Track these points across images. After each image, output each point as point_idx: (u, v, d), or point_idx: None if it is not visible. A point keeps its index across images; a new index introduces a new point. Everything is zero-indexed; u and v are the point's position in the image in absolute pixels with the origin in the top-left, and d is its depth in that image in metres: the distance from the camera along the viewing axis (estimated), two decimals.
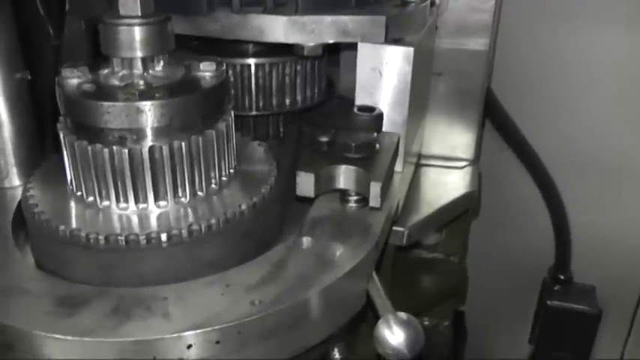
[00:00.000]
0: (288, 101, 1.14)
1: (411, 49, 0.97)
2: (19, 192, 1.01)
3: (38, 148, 1.06)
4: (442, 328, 1.48)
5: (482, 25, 1.30)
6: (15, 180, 1.04)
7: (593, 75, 1.74)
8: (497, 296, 2.05)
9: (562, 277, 1.91)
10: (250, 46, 1.11)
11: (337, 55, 1.25)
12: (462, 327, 1.73)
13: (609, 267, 1.91)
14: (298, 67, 1.12)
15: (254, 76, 1.10)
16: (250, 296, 0.76)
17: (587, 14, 1.66)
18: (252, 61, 1.09)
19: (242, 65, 1.09)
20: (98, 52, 0.90)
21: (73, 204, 0.87)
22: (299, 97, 1.15)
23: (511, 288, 2.05)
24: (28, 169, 1.03)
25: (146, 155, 0.81)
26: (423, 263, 1.40)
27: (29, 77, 1.02)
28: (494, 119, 1.67)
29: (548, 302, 1.89)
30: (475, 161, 1.39)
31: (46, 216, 0.83)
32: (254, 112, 1.12)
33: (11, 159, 1.03)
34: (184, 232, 0.80)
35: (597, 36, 1.67)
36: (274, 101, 1.13)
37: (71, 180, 0.88)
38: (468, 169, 1.36)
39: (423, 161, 1.36)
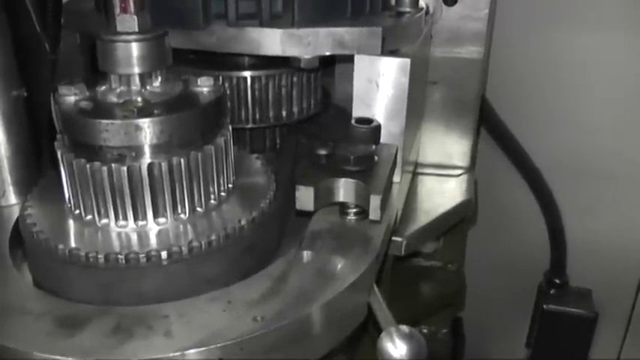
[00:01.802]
0: (284, 113, 1.14)
1: (407, 61, 0.97)
2: (15, 210, 1.01)
3: (35, 165, 1.05)
4: (441, 336, 1.48)
5: (476, 34, 1.30)
6: (12, 198, 1.03)
7: (586, 80, 1.74)
8: (494, 301, 2.05)
9: (558, 281, 1.91)
10: (246, 59, 1.11)
11: (332, 66, 1.25)
12: (459, 333, 1.73)
13: (605, 270, 1.91)
14: (294, 79, 1.12)
15: (250, 88, 1.10)
16: (252, 312, 0.76)
17: (580, 21, 1.66)
18: (248, 73, 1.09)
19: (238, 78, 1.09)
20: (94, 67, 0.90)
21: (71, 222, 0.86)
22: (295, 109, 1.15)
23: (507, 292, 2.05)
24: (24, 186, 1.03)
25: (145, 172, 0.80)
26: (421, 271, 1.40)
27: (25, 94, 1.01)
28: (488, 126, 1.67)
29: (545, 306, 1.89)
30: (471, 169, 1.39)
31: (44, 235, 0.83)
32: (250, 125, 1.12)
33: (7, 177, 1.02)
34: (184, 249, 0.80)
35: (590, 42, 1.67)
36: (271, 113, 1.13)
37: (69, 198, 0.87)
38: (465, 177, 1.36)
39: (419, 170, 1.36)
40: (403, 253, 1.10)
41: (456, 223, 1.26)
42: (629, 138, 1.79)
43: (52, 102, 1.01)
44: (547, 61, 1.72)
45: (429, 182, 1.33)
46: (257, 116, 1.12)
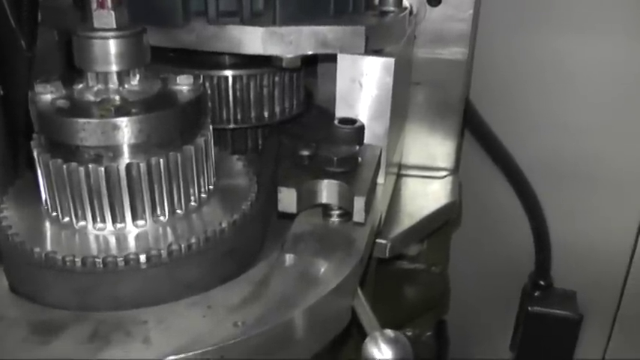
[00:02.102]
0: (266, 114, 1.12)
1: (391, 60, 0.96)
2: None
3: (10, 165, 1.03)
4: (425, 339, 1.47)
5: (460, 35, 1.29)
6: None
7: (569, 83, 1.74)
8: (479, 303, 2.05)
9: (542, 283, 1.91)
10: (227, 58, 1.08)
11: (315, 66, 1.24)
12: (444, 336, 1.72)
13: (589, 272, 1.91)
14: (276, 79, 1.11)
15: (231, 88, 1.08)
16: (233, 317, 0.74)
17: (564, 23, 1.66)
18: (229, 72, 1.07)
19: (219, 77, 1.07)
20: (71, 64, 0.88)
21: (48, 225, 0.84)
22: (277, 109, 1.13)
23: (492, 294, 2.05)
24: (0, 187, 1.00)
25: (123, 173, 0.78)
26: (405, 274, 1.39)
27: (1, 92, 0.98)
28: (472, 128, 1.66)
29: (529, 308, 1.89)
30: (455, 171, 1.38)
31: (20, 238, 0.80)
32: (232, 125, 1.10)
33: None
34: (164, 253, 0.78)
35: (574, 44, 1.67)
36: (252, 114, 1.11)
37: (46, 200, 0.85)
38: (449, 179, 1.35)
39: (403, 171, 1.35)
40: (387, 255, 1.09)
41: (440, 225, 1.25)
42: (612, 140, 1.79)
43: (26, 103, 1.00)
44: (531, 62, 1.72)
45: (413, 184, 1.32)
46: (238, 116, 1.10)
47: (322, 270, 0.82)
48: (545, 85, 1.75)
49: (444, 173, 1.37)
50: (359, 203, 0.84)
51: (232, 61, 1.08)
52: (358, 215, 0.85)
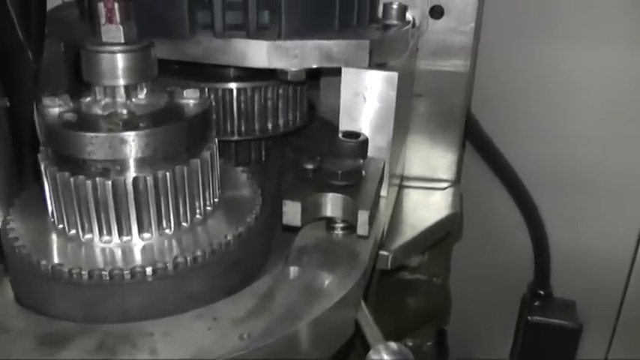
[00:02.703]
0: (270, 126, 1.13)
1: (395, 74, 0.97)
2: None
3: (16, 177, 1.03)
4: (425, 349, 1.48)
5: (462, 47, 1.30)
6: None
7: (568, 92, 1.75)
8: (478, 312, 2.05)
9: (542, 293, 1.91)
10: (232, 70, 1.09)
11: (317, 78, 1.25)
12: (443, 345, 1.73)
13: (589, 281, 1.92)
14: (280, 91, 1.11)
15: (236, 100, 1.09)
16: (238, 330, 0.75)
17: (563, 33, 1.67)
18: (234, 85, 1.08)
19: (224, 90, 1.08)
20: (77, 77, 0.88)
21: (54, 237, 0.84)
22: (281, 122, 1.14)
23: (491, 304, 2.05)
24: (5, 199, 1.00)
25: (130, 187, 0.79)
26: (406, 285, 1.40)
27: (8, 104, 0.99)
28: (471, 138, 1.67)
29: (529, 317, 1.90)
30: (457, 182, 1.39)
31: (26, 250, 0.81)
32: (236, 137, 1.11)
33: None
34: (170, 266, 0.79)
35: (573, 54, 1.68)
36: (256, 126, 1.12)
37: (52, 212, 0.85)
38: (450, 191, 1.36)
39: (405, 182, 1.35)
40: (389, 267, 1.10)
41: (442, 236, 1.26)
42: (612, 148, 1.80)
43: (35, 113, 1.00)
44: (530, 72, 1.73)
45: (415, 195, 1.33)
46: (242, 129, 1.11)
47: (326, 283, 0.83)
48: (544, 94, 1.76)
49: (445, 185, 1.37)
50: (363, 217, 0.85)
51: (237, 73, 1.09)
52: (362, 229, 0.85)
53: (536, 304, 1.92)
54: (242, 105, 1.09)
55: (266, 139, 1.16)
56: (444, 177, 1.38)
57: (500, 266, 2.00)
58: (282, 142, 1.15)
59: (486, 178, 1.79)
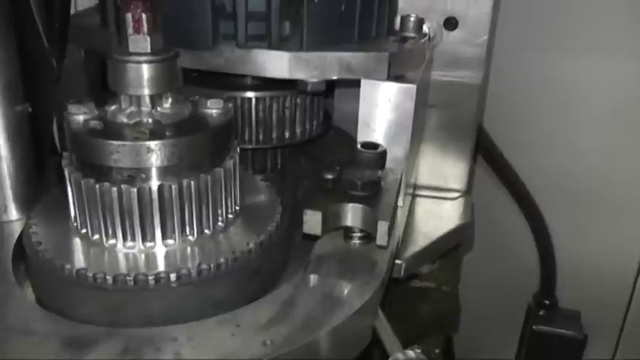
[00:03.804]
0: (287, 134, 1.14)
1: (413, 87, 0.98)
2: (16, 225, 1.00)
3: (36, 180, 1.05)
4: (434, 356, 1.48)
5: (475, 58, 1.31)
6: (13, 214, 1.03)
7: (576, 104, 1.76)
8: (483, 321, 2.06)
9: (547, 302, 1.92)
10: (250, 79, 1.11)
11: (333, 86, 1.26)
12: (449, 353, 1.73)
13: (594, 292, 1.93)
14: (298, 101, 1.13)
15: (254, 109, 1.10)
16: (261, 336, 0.76)
17: (572, 46, 1.68)
18: (252, 94, 1.09)
19: (242, 98, 1.09)
20: (96, 82, 0.89)
21: (77, 242, 0.86)
22: (298, 130, 1.15)
23: (497, 313, 2.06)
24: (26, 202, 1.02)
25: (155, 195, 0.80)
26: (416, 292, 1.40)
27: (30, 109, 1.00)
28: (481, 149, 1.68)
29: (534, 327, 1.90)
30: (468, 192, 1.40)
31: (50, 254, 0.83)
32: (253, 146, 1.12)
33: (9, 192, 1.02)
34: (193, 272, 0.80)
35: (583, 67, 1.69)
36: (274, 134, 1.13)
37: (75, 217, 0.87)
38: (461, 200, 1.37)
39: (416, 191, 1.36)
40: (402, 275, 1.11)
41: (454, 246, 1.27)
42: (617, 161, 1.81)
43: (54, 119, 1.02)
44: (539, 84, 1.74)
45: (427, 204, 1.34)
46: (260, 137, 1.12)
47: (346, 291, 0.84)
48: (553, 106, 1.77)
49: (456, 194, 1.38)
50: (382, 227, 0.86)
51: (255, 82, 1.10)
52: (382, 239, 0.87)
53: (541, 313, 1.92)
54: (260, 114, 1.11)
55: (282, 148, 1.17)
56: (455, 187, 1.39)
57: (506, 275, 2.01)
58: (298, 150, 1.16)
59: (493, 187, 1.79)
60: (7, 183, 1.01)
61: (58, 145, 1.13)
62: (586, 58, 1.69)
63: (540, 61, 1.71)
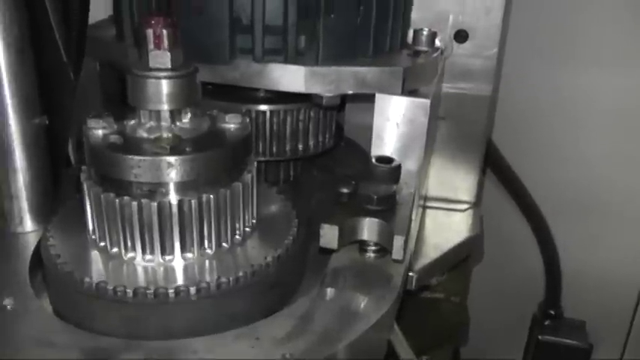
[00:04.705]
0: (301, 147, 1.15)
1: (427, 102, 0.99)
2: (32, 237, 1.01)
3: (51, 192, 1.05)
4: None
5: (485, 71, 1.32)
6: (28, 225, 1.03)
7: (583, 116, 1.78)
8: (489, 330, 2.06)
9: (553, 312, 1.93)
10: (263, 92, 1.11)
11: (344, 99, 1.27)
12: None
13: (599, 302, 1.94)
14: (312, 114, 1.14)
15: (268, 122, 1.11)
16: (280, 350, 0.77)
17: (581, 58, 1.70)
18: (267, 107, 1.10)
19: (257, 111, 1.10)
20: (111, 95, 0.90)
21: (96, 255, 0.87)
22: (311, 143, 1.16)
23: (502, 322, 2.07)
24: (41, 213, 1.03)
25: (175, 209, 0.81)
26: (425, 304, 1.41)
27: (46, 122, 1.01)
28: (490, 162, 1.69)
29: (540, 337, 1.91)
30: (477, 204, 1.41)
31: (69, 267, 0.83)
32: (267, 158, 1.13)
33: (25, 204, 1.02)
34: (213, 285, 0.81)
35: (591, 79, 1.71)
36: (287, 147, 1.14)
37: (94, 230, 0.88)
38: (470, 212, 1.38)
39: (426, 203, 1.37)
40: (414, 287, 1.11)
41: (464, 257, 1.28)
42: (624, 172, 1.82)
43: (71, 131, 1.03)
44: (546, 96, 1.75)
45: (436, 216, 1.35)
46: (274, 149, 1.13)
47: (362, 305, 0.85)
48: (559, 118, 1.78)
49: (465, 206, 1.39)
50: (398, 242, 0.87)
51: (268, 95, 1.11)
52: (397, 253, 0.87)
53: (546, 323, 1.93)
54: (274, 126, 1.11)
55: (295, 160, 1.18)
56: (465, 198, 1.40)
57: (511, 285, 2.01)
58: (311, 162, 1.17)
59: (499, 197, 1.80)
60: (23, 195, 1.02)
61: (72, 157, 1.14)
62: (594, 70, 1.70)
63: (548, 73, 1.72)
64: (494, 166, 1.67)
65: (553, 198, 1.81)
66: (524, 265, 1.95)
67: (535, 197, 1.76)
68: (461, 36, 1.30)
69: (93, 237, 0.88)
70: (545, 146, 1.83)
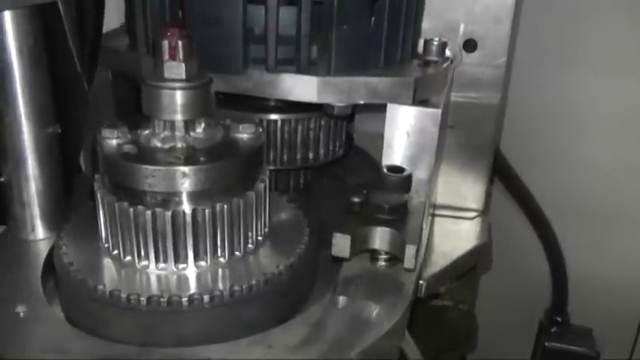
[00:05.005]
0: (311, 155, 1.15)
1: (438, 111, 1.00)
2: (44, 245, 1.02)
3: (64, 200, 1.06)
4: None
5: (493, 80, 1.32)
6: (40, 233, 1.04)
7: (589, 122, 1.78)
8: (495, 337, 2.06)
9: (559, 319, 1.93)
10: (274, 101, 1.12)
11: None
12: None
13: (606, 310, 1.94)
14: (323, 123, 1.14)
15: (280, 131, 1.11)
16: (293, 357, 0.77)
17: (588, 65, 1.70)
18: (278, 116, 1.10)
19: (268, 120, 1.10)
20: (123, 104, 0.90)
21: (109, 263, 0.88)
22: (322, 152, 1.16)
23: (508, 329, 2.07)
24: (53, 221, 1.04)
25: (189, 218, 0.82)
26: (434, 311, 1.42)
27: (59, 130, 1.02)
28: (497, 170, 1.69)
29: (546, 343, 1.91)
30: (485, 212, 1.41)
31: (82, 275, 0.84)
32: (278, 166, 1.14)
33: (37, 212, 1.03)
34: (226, 293, 0.81)
35: (599, 87, 1.71)
36: (298, 155, 1.14)
37: (107, 238, 0.88)
38: (479, 220, 1.38)
39: (435, 211, 1.38)
40: (423, 295, 1.12)
41: (472, 265, 1.28)
42: (630, 179, 1.83)
43: (82, 140, 1.04)
44: (553, 103, 1.76)
45: (445, 224, 1.35)
46: (285, 158, 1.13)
47: (374, 313, 0.86)
48: (566, 125, 1.79)
49: (473, 214, 1.39)
50: (410, 251, 0.87)
51: (279, 104, 1.11)
52: (409, 262, 0.88)
53: (553, 330, 1.93)
54: (285, 135, 1.12)
55: (306, 168, 1.18)
56: (473, 206, 1.40)
57: (518, 291, 2.02)
58: (321, 171, 1.18)
59: (505, 204, 1.81)
60: (36, 202, 1.03)
61: (83, 166, 1.15)
62: (600, 78, 1.71)
63: (555, 81, 1.73)
64: (501, 174, 1.68)
65: (560, 204, 1.81)
66: (530, 272, 1.95)
67: (541, 204, 1.76)
68: (470, 45, 1.30)
69: (106, 245, 0.89)
70: (551, 153, 1.83)
